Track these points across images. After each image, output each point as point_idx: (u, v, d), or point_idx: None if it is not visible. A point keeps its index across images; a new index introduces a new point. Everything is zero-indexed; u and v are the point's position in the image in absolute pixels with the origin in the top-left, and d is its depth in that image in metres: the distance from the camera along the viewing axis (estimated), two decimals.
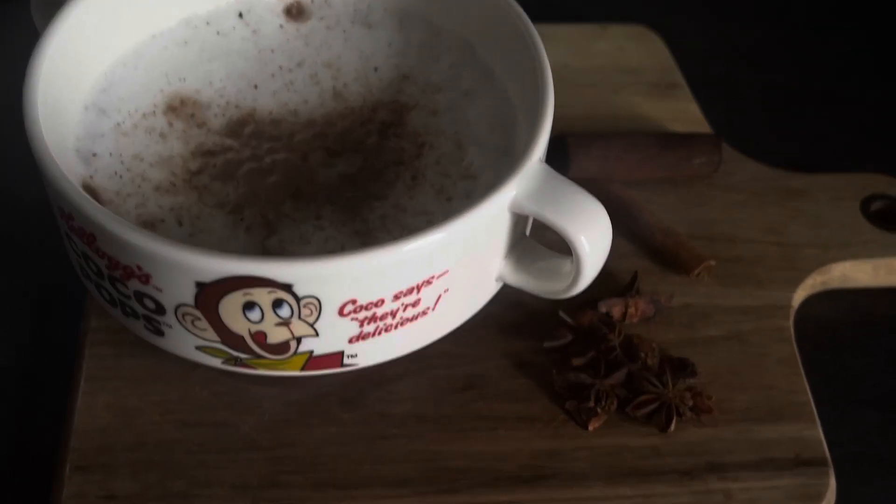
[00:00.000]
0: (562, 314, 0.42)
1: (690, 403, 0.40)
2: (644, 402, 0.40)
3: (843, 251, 0.47)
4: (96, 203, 0.31)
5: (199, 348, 0.33)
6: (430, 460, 0.38)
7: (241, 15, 0.41)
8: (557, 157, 0.46)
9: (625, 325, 0.43)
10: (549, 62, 0.54)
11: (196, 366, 0.38)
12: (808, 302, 0.46)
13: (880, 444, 0.42)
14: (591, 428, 0.39)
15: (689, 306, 0.44)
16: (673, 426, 0.40)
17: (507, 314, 0.42)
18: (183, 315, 0.32)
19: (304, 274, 0.30)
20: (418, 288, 0.32)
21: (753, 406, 0.41)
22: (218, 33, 0.41)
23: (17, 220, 0.45)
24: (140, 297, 0.32)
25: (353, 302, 0.31)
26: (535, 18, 0.55)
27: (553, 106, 0.35)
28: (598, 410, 0.40)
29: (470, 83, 0.40)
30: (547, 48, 0.53)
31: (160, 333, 0.34)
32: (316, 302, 0.31)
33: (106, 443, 0.38)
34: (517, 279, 0.36)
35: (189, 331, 0.32)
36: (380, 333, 0.33)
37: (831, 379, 0.44)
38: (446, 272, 0.32)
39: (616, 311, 0.43)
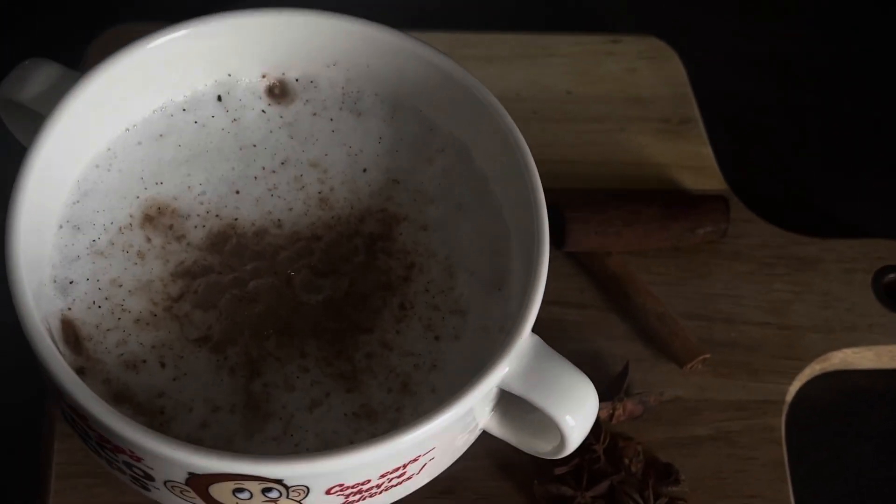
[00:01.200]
0: None
1: None
2: None
3: (847, 336, 0.54)
4: (95, 396, 0.37)
5: None
6: None
7: (219, 98, 0.47)
8: (554, 230, 0.53)
9: (610, 426, 0.50)
10: (551, 88, 0.60)
11: None
12: (802, 388, 0.54)
13: None
14: None
15: (680, 400, 0.51)
16: None
17: None
18: (172, 487, 0.39)
19: (295, 473, 0.37)
20: (404, 466, 0.40)
21: None
22: (196, 122, 0.46)
23: None
24: (129, 466, 0.39)
25: (341, 486, 0.39)
26: (541, 24, 0.59)
27: (546, 272, 0.41)
28: None
29: (463, 194, 0.46)
30: (549, 67, 0.60)
31: (147, 490, 0.41)
32: (304, 488, 0.38)
33: None
34: (501, 433, 0.43)
35: (178, 497, 0.40)
36: (363, 499, 0.41)
37: (819, 473, 0.51)
38: (433, 449, 0.40)
39: (603, 414, 0.50)
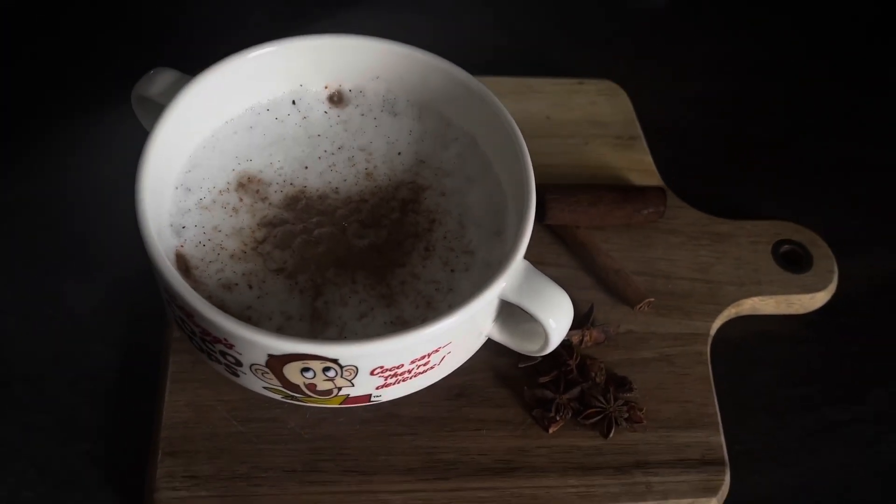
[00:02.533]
0: None
1: (626, 415, 0.47)
2: (591, 413, 0.47)
3: (754, 288, 0.53)
4: (199, 296, 0.36)
5: (265, 388, 0.40)
6: (429, 454, 0.45)
7: (294, 102, 0.46)
8: (537, 208, 0.52)
9: (581, 349, 0.49)
10: (534, 114, 0.60)
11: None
12: (723, 327, 0.53)
13: (771, 441, 0.49)
14: (550, 431, 0.46)
15: (631, 332, 0.50)
16: (612, 433, 0.47)
17: None
18: (255, 369, 0.38)
19: (348, 353, 0.36)
20: (428, 355, 0.38)
21: (674, 417, 0.48)
22: (276, 119, 0.46)
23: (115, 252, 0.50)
24: (224, 354, 0.38)
25: (381, 367, 0.38)
26: (527, 71, 0.60)
27: (533, 222, 0.40)
28: (557, 418, 0.46)
29: (472, 170, 0.45)
30: (533, 100, 0.59)
31: (236, 375, 0.40)
32: (354, 368, 0.37)
33: (188, 434, 0.44)
34: (501, 338, 0.42)
35: (259, 378, 0.39)
36: (398, 382, 0.39)
37: (736, 389, 0.50)
38: (450, 343, 0.39)
39: (574, 339, 0.49)
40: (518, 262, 0.39)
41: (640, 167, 0.57)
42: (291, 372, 0.37)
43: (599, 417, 0.47)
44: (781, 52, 0.67)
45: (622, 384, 0.48)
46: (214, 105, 0.44)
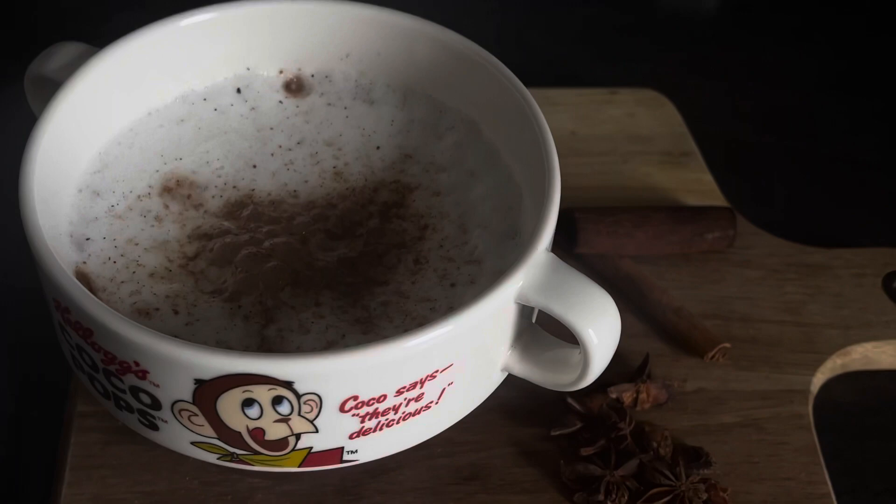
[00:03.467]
0: (570, 400, 0.44)
1: (705, 497, 0.42)
2: (656, 494, 0.42)
3: (864, 332, 0.49)
4: (95, 298, 0.33)
5: (194, 444, 0.35)
6: None
7: (238, 91, 0.44)
8: (565, 233, 0.48)
9: (636, 412, 0.44)
10: (555, 129, 0.56)
11: (187, 455, 0.40)
12: (828, 385, 0.48)
13: None
14: None
15: (703, 391, 0.46)
16: None
17: (513, 399, 0.44)
18: (180, 411, 0.34)
19: (306, 371, 0.32)
20: (422, 382, 0.34)
21: (771, 499, 0.43)
22: (215, 110, 0.43)
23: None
24: (136, 392, 0.34)
25: (355, 398, 0.33)
26: (542, 83, 0.57)
27: (560, 192, 0.37)
28: (609, 503, 0.41)
29: (474, 163, 0.42)
30: (553, 114, 0.56)
31: (154, 428, 0.35)
32: (317, 399, 0.33)
33: None
34: (523, 370, 0.38)
35: (185, 426, 0.34)
36: (381, 429, 0.35)
37: (853, 467, 0.45)
38: (451, 366, 0.34)
39: (627, 398, 0.44)
40: (541, 254, 0.35)
41: (699, 188, 0.54)
42: (229, 408, 0.33)
43: (668, 499, 0.42)
44: (858, 60, 0.65)
45: (696, 457, 0.43)
46: (131, 88, 0.41)
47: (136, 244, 0.39)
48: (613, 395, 0.44)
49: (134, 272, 0.38)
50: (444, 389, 0.35)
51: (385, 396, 0.34)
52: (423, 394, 0.34)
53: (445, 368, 0.34)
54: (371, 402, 0.34)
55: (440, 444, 0.43)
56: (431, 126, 0.44)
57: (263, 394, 0.32)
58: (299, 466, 0.36)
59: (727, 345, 0.47)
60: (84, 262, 0.38)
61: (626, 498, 0.42)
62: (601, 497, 0.41)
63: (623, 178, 0.54)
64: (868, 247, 0.52)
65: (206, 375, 0.32)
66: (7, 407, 0.44)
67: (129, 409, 0.35)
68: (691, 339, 0.47)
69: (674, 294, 0.49)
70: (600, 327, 0.35)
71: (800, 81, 0.64)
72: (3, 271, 0.46)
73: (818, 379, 0.47)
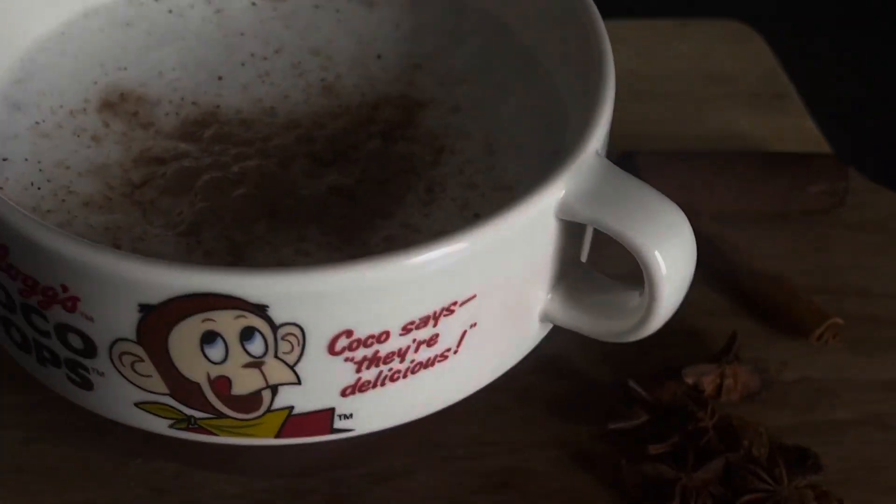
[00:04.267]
0: (633, 385, 0.43)
1: None
2: (751, 502, 0.41)
3: None
4: (9, 202, 0.33)
5: (139, 405, 0.35)
6: None
7: None
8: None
9: (720, 404, 0.44)
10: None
11: (132, 454, 0.40)
12: None
13: None
14: None
15: (809, 380, 0.46)
16: None
17: (558, 386, 0.44)
18: (120, 355, 0.33)
19: (285, 289, 0.31)
20: (435, 318, 0.34)
21: None
22: (170, 12, 0.44)
23: None
24: (63, 331, 0.34)
25: (349, 334, 0.33)
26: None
27: (614, 86, 0.37)
28: None
29: (504, 72, 0.42)
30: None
31: (88, 386, 0.35)
32: (298, 332, 0.32)
33: None
34: (568, 317, 0.37)
35: (127, 379, 0.34)
36: (384, 383, 0.34)
37: None
38: (473, 297, 0.34)
39: (708, 384, 0.44)
40: (590, 155, 0.35)
41: (797, 136, 0.55)
42: (184, 346, 0.33)
43: None
44: None
45: (801, 459, 0.43)
46: None
47: (68, 168, 0.39)
48: (690, 381, 0.44)
49: (63, 200, 0.38)
50: (465, 332, 0.35)
51: (388, 334, 0.33)
52: (437, 335, 0.34)
53: (466, 300, 0.34)
54: (370, 340, 0.33)
55: (461, 444, 0.43)
56: (447, 30, 0.44)
57: (229, 323, 0.32)
58: (276, 437, 0.35)
59: (840, 321, 0.46)
60: (0, 188, 0.38)
61: None
62: None
63: (699, 125, 0.55)
64: None
65: (155, 299, 0.32)
66: None
67: (56, 363, 0.35)
68: (793, 315, 0.47)
69: (767, 263, 0.49)
70: (670, 249, 0.34)
71: None
72: None
73: None
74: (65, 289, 0.33)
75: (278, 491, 0.41)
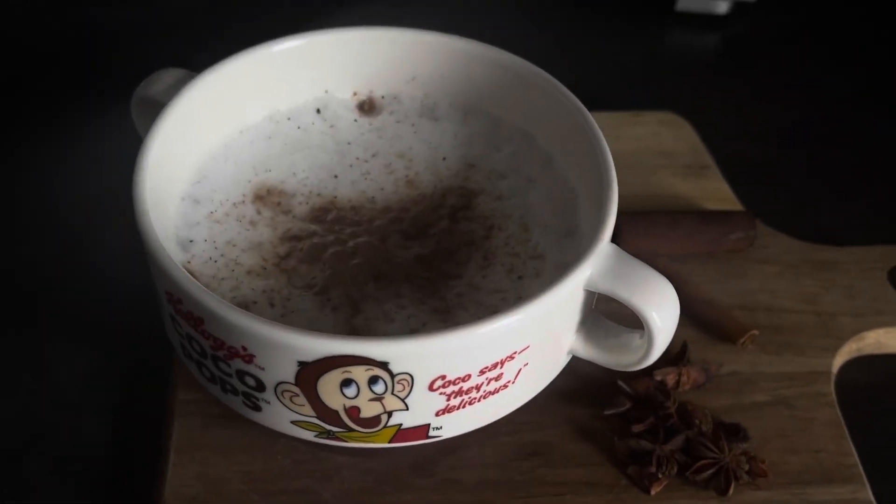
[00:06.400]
0: (620, 383, 0.41)
1: (746, 467, 0.39)
2: (703, 466, 0.39)
3: (876, 319, 0.46)
4: (206, 289, 0.30)
5: (294, 423, 0.33)
6: None
7: (318, 111, 0.42)
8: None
9: (678, 394, 0.42)
10: None
11: (279, 435, 0.37)
12: (845, 367, 0.45)
13: None
14: (653, 492, 0.39)
15: (736, 373, 0.43)
16: (732, 490, 0.39)
17: (567, 383, 0.41)
18: (282, 392, 0.31)
19: (402, 352, 0.30)
20: (502, 363, 0.32)
21: (805, 469, 0.40)
22: (299, 128, 0.41)
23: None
24: (242, 375, 0.32)
25: (443, 377, 0.31)
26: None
27: (617, 189, 0.35)
28: (660, 475, 0.39)
29: (531, 169, 0.40)
30: None
31: (257, 409, 0.33)
32: (409, 378, 0.30)
33: None
34: (588, 352, 0.35)
35: (287, 406, 0.32)
36: (464, 406, 0.33)
37: (873, 441, 0.43)
38: (527, 347, 0.32)
39: (670, 380, 0.42)
40: (605, 245, 0.33)
41: (718, 196, 0.52)
42: (328, 389, 0.31)
43: (714, 471, 0.39)
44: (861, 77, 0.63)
45: (734, 432, 0.41)
46: (225, 109, 0.39)
47: (234, 245, 0.37)
48: (658, 378, 0.42)
49: (233, 270, 0.36)
50: (520, 370, 0.33)
51: (469, 376, 0.31)
52: (502, 374, 0.32)
53: (523, 350, 0.32)
54: (457, 381, 0.31)
55: (504, 424, 0.40)
56: (490, 138, 0.42)
57: (361, 374, 0.30)
58: (389, 442, 0.33)
59: (755, 331, 0.44)
60: (189, 262, 0.36)
61: (675, 470, 0.39)
62: (653, 469, 0.39)
63: (652, 188, 0.52)
64: (874, 244, 0.50)
65: (309, 358, 0.30)
66: (114, 396, 0.42)
67: (235, 392, 0.33)
68: (723, 327, 0.44)
69: (704, 288, 0.46)
70: (663, 310, 0.33)
71: (796, 99, 0.62)
72: (110, 272, 0.44)
73: (837, 361, 0.45)
74: (244, 349, 0.31)
75: (381, 461, 0.39)
